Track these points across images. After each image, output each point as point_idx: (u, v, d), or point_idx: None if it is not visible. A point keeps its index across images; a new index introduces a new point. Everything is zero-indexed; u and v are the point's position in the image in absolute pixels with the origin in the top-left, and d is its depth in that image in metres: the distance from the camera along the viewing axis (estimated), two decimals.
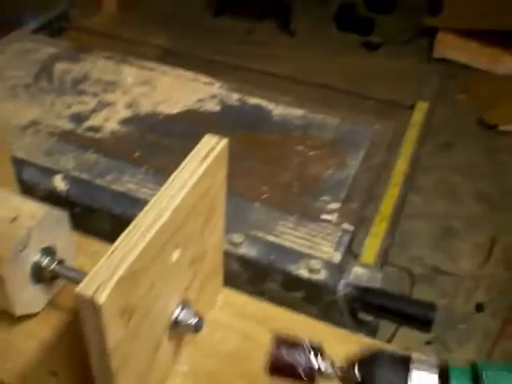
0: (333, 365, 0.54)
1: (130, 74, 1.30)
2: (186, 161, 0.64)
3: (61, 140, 1.10)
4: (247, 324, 0.75)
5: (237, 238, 0.80)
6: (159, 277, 0.60)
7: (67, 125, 1.15)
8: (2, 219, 0.73)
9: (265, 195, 0.99)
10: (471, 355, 1.77)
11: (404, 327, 0.79)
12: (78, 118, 1.16)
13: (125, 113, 1.19)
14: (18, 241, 0.70)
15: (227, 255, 0.80)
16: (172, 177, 0.62)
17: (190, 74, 1.31)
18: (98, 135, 1.12)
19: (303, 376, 0.55)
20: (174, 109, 1.20)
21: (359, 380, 0.52)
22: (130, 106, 1.21)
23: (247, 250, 0.81)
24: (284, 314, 0.80)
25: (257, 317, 0.79)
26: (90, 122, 1.16)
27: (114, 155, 1.06)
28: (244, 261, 0.81)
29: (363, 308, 0.79)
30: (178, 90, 1.26)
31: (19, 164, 0.99)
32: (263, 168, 1.05)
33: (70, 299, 0.81)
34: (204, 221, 0.68)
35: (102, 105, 1.21)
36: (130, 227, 0.56)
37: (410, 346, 1.65)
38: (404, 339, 1.36)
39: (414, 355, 0.54)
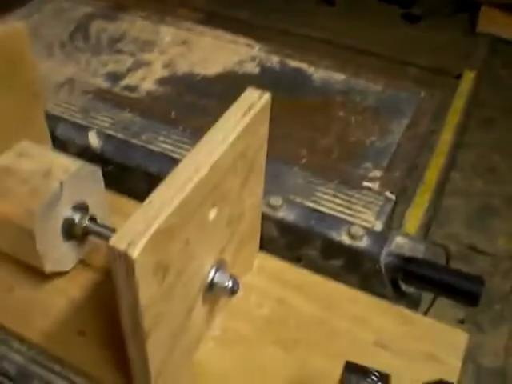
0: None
1: (167, 33, 1.27)
2: (226, 115, 0.61)
3: (96, 98, 1.07)
4: (283, 290, 0.73)
5: (275, 200, 0.76)
6: (195, 235, 0.57)
7: (103, 83, 1.12)
8: (34, 173, 0.71)
9: (304, 160, 0.95)
10: (504, 337, 1.73)
11: (446, 300, 0.75)
12: (114, 77, 1.14)
13: (161, 73, 1.15)
14: (50, 194, 0.68)
15: (265, 218, 0.77)
16: (211, 131, 0.59)
17: (228, 36, 1.27)
18: (133, 94, 1.09)
19: None
20: (212, 70, 1.17)
21: None
22: (166, 66, 1.17)
23: (286, 214, 0.77)
24: (322, 281, 0.77)
25: (293, 283, 0.76)
26: (126, 81, 1.13)
27: (150, 115, 1.03)
28: (282, 225, 0.77)
29: (406, 278, 0.75)
30: (217, 52, 1.22)
31: (54, 121, 0.97)
32: (303, 132, 1.02)
33: (100, 258, 0.79)
34: (243, 180, 0.65)
35: (139, 64, 1.18)
36: (167, 180, 0.53)
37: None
38: (437, 316, 1.32)
39: None
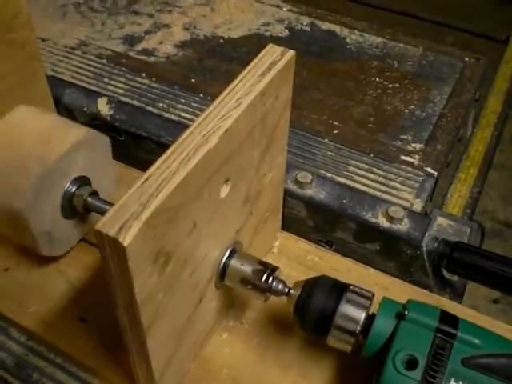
0: (284, 283, 0.56)
1: None
2: (242, 74, 0.52)
3: (110, 63, 0.99)
4: (307, 275, 0.64)
5: (303, 177, 0.67)
6: (204, 216, 0.48)
7: (118, 47, 1.04)
8: (31, 140, 0.63)
9: (336, 131, 0.86)
10: None
11: (495, 290, 0.66)
12: (131, 40, 1.05)
13: (182, 35, 1.07)
14: (45, 167, 0.60)
15: (291, 196, 0.68)
16: (224, 93, 0.50)
17: None
18: (151, 59, 1.01)
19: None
20: (237, 32, 1.07)
21: (298, 297, 0.55)
22: (187, 28, 1.08)
23: (315, 192, 0.68)
24: (353, 266, 0.68)
25: (320, 268, 0.68)
26: (143, 45, 1.04)
27: (168, 81, 0.95)
28: (311, 204, 0.68)
29: (450, 266, 0.66)
30: (242, 13, 1.12)
31: (62, 86, 0.89)
32: (335, 100, 0.92)
33: None
34: (262, 152, 0.56)
35: (157, 26, 1.09)
36: (168, 153, 0.45)
37: (477, 304, 1.53)
38: (471, 295, 1.23)
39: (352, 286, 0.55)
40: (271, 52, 0.54)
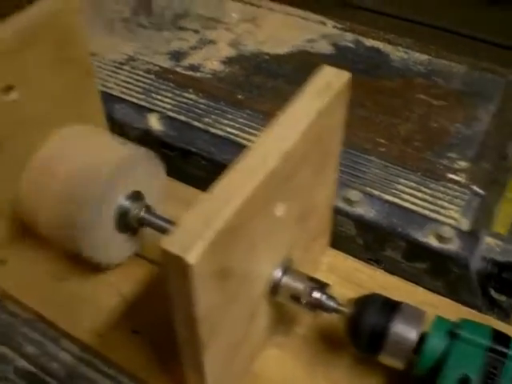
0: (335, 300, 0.57)
1: (233, 9, 1.19)
2: (298, 96, 0.53)
3: (158, 78, 1.01)
4: (356, 292, 0.64)
5: (353, 195, 0.68)
6: (261, 234, 0.49)
7: (166, 62, 1.06)
8: (88, 156, 0.65)
9: (382, 148, 0.86)
10: None
11: None
12: (177, 56, 1.07)
13: (227, 51, 1.08)
14: (102, 182, 0.62)
15: (340, 214, 0.69)
16: (281, 115, 0.51)
17: (299, 12, 1.18)
18: (197, 74, 1.03)
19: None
20: (282, 49, 1.08)
21: (350, 314, 0.56)
22: (233, 44, 1.10)
23: (365, 210, 0.69)
24: (402, 285, 0.68)
25: (369, 286, 0.68)
26: (189, 60, 1.06)
27: (215, 96, 0.96)
28: (360, 222, 0.69)
29: (499, 286, 0.66)
30: (286, 29, 1.14)
31: (113, 101, 0.91)
32: (381, 118, 0.92)
33: (156, 251, 0.72)
34: (315, 171, 0.57)
35: (203, 42, 1.11)
36: (231, 171, 0.46)
37: None
38: None
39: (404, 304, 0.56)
40: (326, 73, 0.55)
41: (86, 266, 0.70)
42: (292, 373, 0.62)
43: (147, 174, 0.68)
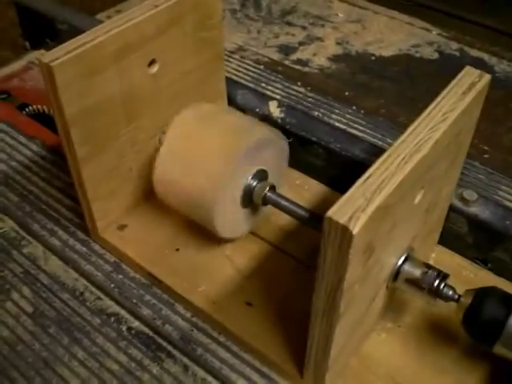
0: (454, 290, 0.59)
1: (340, 10, 1.23)
2: (443, 93, 0.56)
3: (267, 69, 1.05)
4: (461, 289, 0.67)
5: (469, 194, 0.70)
6: (400, 218, 0.52)
7: (274, 55, 1.09)
8: (222, 131, 0.69)
9: (486, 155, 0.88)
10: None
11: None
12: (286, 49, 1.11)
13: (334, 49, 1.11)
14: (235, 159, 0.65)
15: (455, 211, 0.71)
16: (430, 108, 0.54)
17: (404, 17, 1.21)
18: (305, 69, 1.06)
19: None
20: (387, 51, 1.11)
21: (469, 304, 0.58)
22: (339, 43, 1.13)
23: (479, 210, 0.71)
24: (508, 286, 0.70)
25: (474, 284, 0.69)
26: (297, 55, 1.10)
27: (323, 91, 0.99)
28: (475, 221, 0.71)
29: None
30: (392, 33, 1.16)
31: (233, 87, 0.95)
32: (485, 126, 0.94)
33: (272, 229, 0.76)
34: (449, 165, 0.60)
35: (311, 39, 1.14)
36: (385, 155, 0.49)
37: None
38: None
39: None
40: (470, 73, 0.58)
41: (203, 236, 0.74)
42: (399, 358, 0.64)
43: (275, 156, 0.71)
